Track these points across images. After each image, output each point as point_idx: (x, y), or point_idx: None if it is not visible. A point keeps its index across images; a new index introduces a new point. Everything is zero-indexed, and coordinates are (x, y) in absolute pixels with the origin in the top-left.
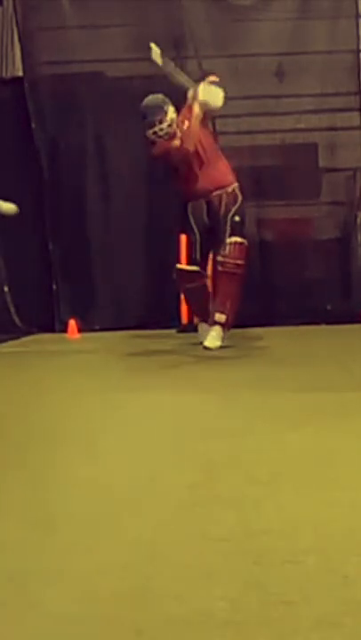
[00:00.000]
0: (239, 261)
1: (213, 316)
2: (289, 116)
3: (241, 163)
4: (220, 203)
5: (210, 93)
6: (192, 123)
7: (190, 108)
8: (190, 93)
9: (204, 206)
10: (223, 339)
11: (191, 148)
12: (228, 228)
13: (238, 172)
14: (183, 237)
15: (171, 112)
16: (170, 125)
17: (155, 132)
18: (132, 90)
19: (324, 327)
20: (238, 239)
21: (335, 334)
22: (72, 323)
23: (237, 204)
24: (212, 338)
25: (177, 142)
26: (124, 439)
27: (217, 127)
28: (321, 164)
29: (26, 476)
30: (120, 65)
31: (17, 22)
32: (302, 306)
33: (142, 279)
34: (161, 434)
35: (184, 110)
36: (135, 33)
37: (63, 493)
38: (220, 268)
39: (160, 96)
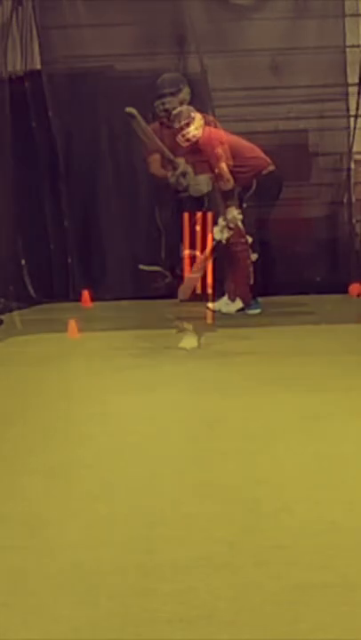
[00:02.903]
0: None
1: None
2: (282, 106)
3: None
4: None
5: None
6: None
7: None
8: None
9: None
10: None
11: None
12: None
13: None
14: (186, 215)
15: (185, 92)
16: (181, 103)
17: (163, 103)
18: (140, 82)
19: (313, 297)
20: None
21: (324, 303)
22: (85, 293)
23: (250, 193)
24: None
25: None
26: (133, 399)
27: (216, 115)
28: (311, 148)
29: (47, 432)
30: (128, 59)
31: (35, 20)
32: (294, 277)
33: (150, 254)
34: (165, 394)
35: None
36: (142, 31)
37: (78, 447)
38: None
39: (179, 75)
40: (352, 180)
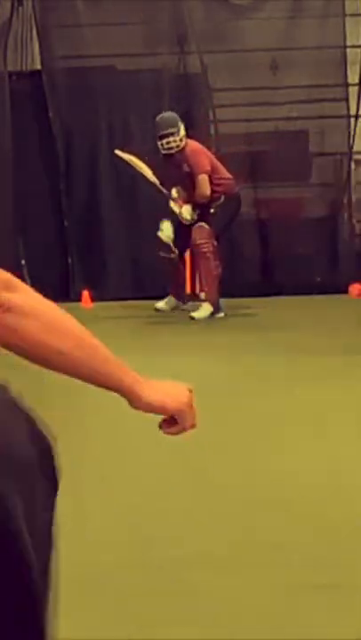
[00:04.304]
0: (199, 241)
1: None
2: (282, 106)
3: (239, 148)
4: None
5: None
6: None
7: None
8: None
9: None
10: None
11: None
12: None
13: (236, 157)
14: None
15: (182, 129)
16: (181, 140)
17: (168, 142)
18: (140, 81)
19: (314, 297)
20: (199, 223)
21: (324, 304)
22: (85, 293)
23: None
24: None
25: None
26: None
27: (217, 116)
28: (311, 149)
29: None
30: (129, 59)
31: (36, 21)
32: (294, 278)
33: (149, 254)
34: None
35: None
36: (143, 30)
37: (80, 447)
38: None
39: (174, 114)
40: (352, 180)
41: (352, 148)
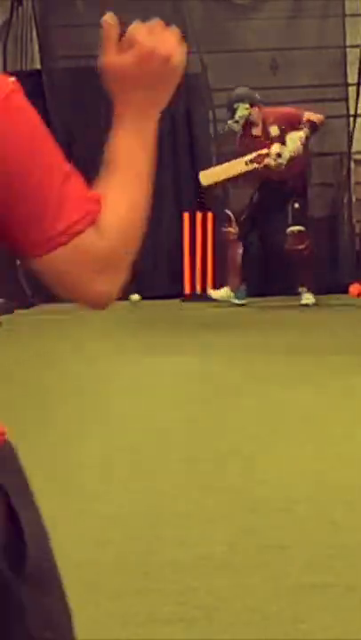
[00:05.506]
0: (300, 246)
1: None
2: (282, 106)
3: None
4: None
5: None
6: None
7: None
8: None
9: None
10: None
11: None
12: (290, 216)
13: (236, 157)
14: (186, 216)
15: (241, 109)
16: (236, 122)
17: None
18: None
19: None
20: (298, 227)
21: (324, 304)
22: None
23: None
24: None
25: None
26: (134, 398)
27: (217, 116)
28: (311, 149)
29: (47, 432)
30: None
31: (36, 21)
32: (295, 277)
33: (150, 253)
34: (167, 394)
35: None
36: None
37: (81, 447)
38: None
39: (239, 93)
40: (352, 180)
41: (352, 147)
